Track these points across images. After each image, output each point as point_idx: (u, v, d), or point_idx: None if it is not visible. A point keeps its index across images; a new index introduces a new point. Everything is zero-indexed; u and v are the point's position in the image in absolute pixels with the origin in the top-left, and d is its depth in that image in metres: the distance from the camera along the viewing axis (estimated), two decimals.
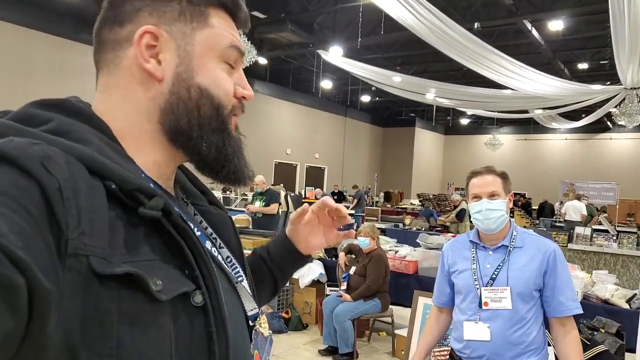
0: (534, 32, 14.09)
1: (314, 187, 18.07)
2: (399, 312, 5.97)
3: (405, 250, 6.06)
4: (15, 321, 0.45)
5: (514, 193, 2.34)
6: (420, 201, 17.18)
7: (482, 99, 16.75)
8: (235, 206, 13.20)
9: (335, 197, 18.56)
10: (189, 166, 0.85)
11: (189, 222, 0.69)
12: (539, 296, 2.16)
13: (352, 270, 5.51)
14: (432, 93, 16.87)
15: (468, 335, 2.18)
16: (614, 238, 9.40)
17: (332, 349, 5.30)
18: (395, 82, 15.64)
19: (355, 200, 16.65)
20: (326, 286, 6.20)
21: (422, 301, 3.78)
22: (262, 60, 17.60)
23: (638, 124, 14.33)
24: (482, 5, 13.12)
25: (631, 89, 13.35)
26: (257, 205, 8.18)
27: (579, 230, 9.85)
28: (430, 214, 13.11)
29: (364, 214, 14.23)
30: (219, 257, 0.79)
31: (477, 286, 2.19)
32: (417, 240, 6.04)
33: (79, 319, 0.54)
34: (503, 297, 2.13)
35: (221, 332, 0.67)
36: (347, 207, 14.67)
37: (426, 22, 10.25)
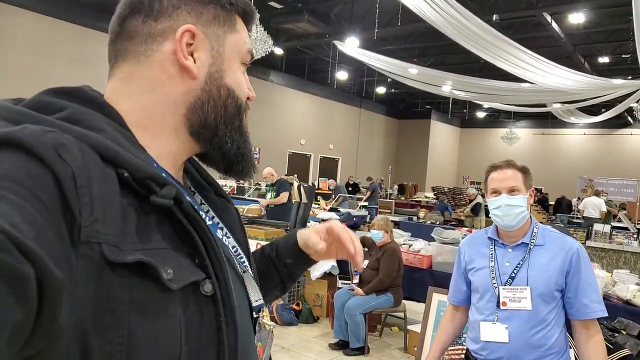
0: (554, 25, 13.83)
1: (327, 177, 18.00)
2: (412, 307, 5.89)
3: (419, 244, 5.96)
4: (24, 312, 0.45)
5: None
6: (435, 194, 17.02)
7: (500, 92, 16.56)
8: (249, 195, 13.20)
9: (350, 189, 18.51)
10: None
11: (199, 212, 0.71)
12: (561, 297, 2.06)
13: (365, 263, 5.43)
14: (449, 85, 16.72)
15: (485, 336, 2.09)
16: (635, 236, 9.22)
17: (342, 343, 5.24)
18: (411, 73, 15.50)
19: (369, 192, 16.55)
20: (338, 279, 6.14)
21: (437, 298, 3.70)
22: (278, 51, 17.52)
23: None
24: None
25: None
26: (269, 197, 8.15)
27: (597, 227, 9.69)
28: (445, 208, 12.98)
29: (377, 206, 14.13)
30: (229, 245, 0.82)
31: (495, 285, 2.10)
32: (432, 235, 5.94)
33: (91, 307, 0.54)
34: (522, 297, 2.04)
35: (230, 322, 0.68)
36: (360, 200, 14.69)
37: (444, 13, 10.11)
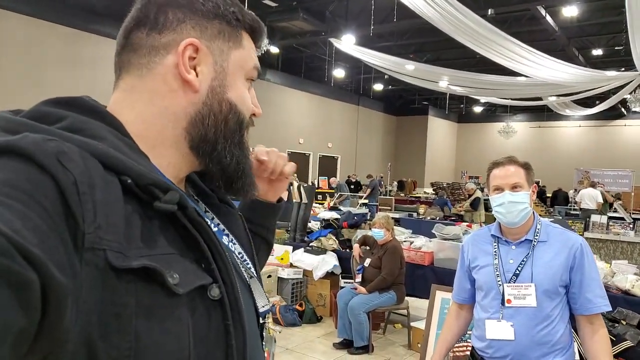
0: (548, 18, 13.86)
1: (327, 176, 18.00)
2: (415, 304, 5.90)
3: (420, 241, 5.98)
4: (28, 318, 0.45)
5: None
6: (434, 190, 17.06)
7: (496, 86, 16.61)
8: None
9: (352, 187, 18.52)
10: None
11: (204, 217, 0.72)
12: (565, 293, 2.07)
13: (367, 262, 5.44)
14: (445, 81, 16.74)
15: (491, 334, 2.10)
16: (631, 226, 9.26)
17: (347, 342, 5.25)
18: (408, 70, 15.52)
19: (369, 190, 16.56)
20: (340, 278, 6.15)
21: (440, 295, 3.71)
22: (274, 49, 17.51)
23: None
24: None
25: None
26: None
27: (595, 218, 9.73)
28: (444, 203, 13.00)
29: (377, 204, 14.14)
30: (235, 252, 0.83)
31: (500, 282, 2.11)
32: (433, 231, 5.95)
33: (96, 313, 0.54)
34: (527, 294, 2.05)
35: (238, 326, 0.68)
36: (361, 197, 14.68)
37: (439, 9, 10.13)
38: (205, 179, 0.88)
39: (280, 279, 6.34)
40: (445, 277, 5.19)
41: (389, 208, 13.24)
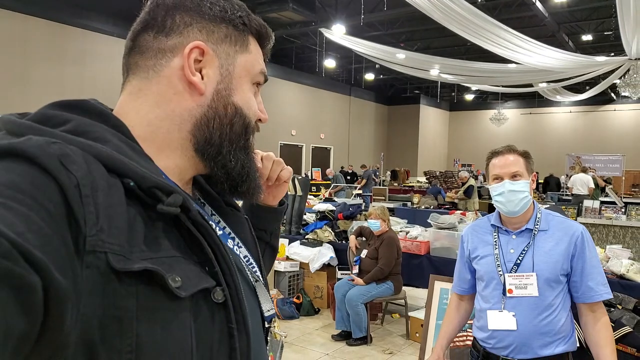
0: (538, 4, 13.82)
1: (320, 167, 17.98)
2: (412, 293, 5.92)
3: (416, 231, 5.98)
4: (30, 321, 0.45)
5: None
6: (427, 179, 17.08)
7: (487, 73, 16.61)
8: None
9: (348, 177, 18.53)
10: None
11: (209, 221, 0.71)
12: (566, 281, 2.06)
13: (364, 253, 5.43)
14: (437, 69, 16.70)
15: (493, 324, 2.09)
16: (623, 210, 9.31)
17: (345, 333, 5.26)
18: (399, 59, 15.47)
19: (364, 180, 16.57)
20: (337, 270, 6.14)
21: (439, 285, 3.71)
22: None
23: None
24: None
25: (636, 59, 13.20)
26: None
27: (587, 203, 9.76)
28: (437, 192, 13.00)
29: (371, 194, 14.13)
30: (240, 255, 0.82)
31: (501, 272, 2.09)
32: (428, 221, 5.95)
33: (97, 316, 0.54)
34: (529, 283, 2.04)
35: (242, 329, 0.68)
36: (355, 188, 14.68)
37: None
38: (211, 182, 0.86)
39: (276, 272, 6.34)
40: (441, 266, 5.21)
41: (383, 198, 13.24)
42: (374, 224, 5.31)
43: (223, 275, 0.67)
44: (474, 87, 23.67)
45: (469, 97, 29.28)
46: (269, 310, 0.84)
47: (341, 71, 23.97)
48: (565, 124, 27.72)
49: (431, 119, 30.12)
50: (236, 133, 0.79)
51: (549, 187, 17.87)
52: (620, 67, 14.16)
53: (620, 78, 14.69)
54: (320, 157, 24.25)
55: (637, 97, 14.54)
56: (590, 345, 2.04)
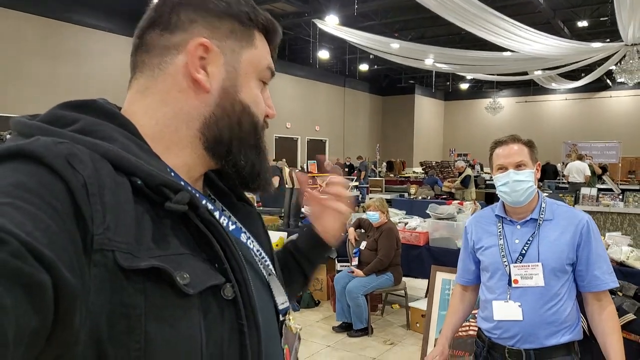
0: None
1: (315, 160, 17.89)
2: (411, 284, 5.91)
3: (415, 221, 5.97)
4: (41, 319, 0.45)
5: None
6: (423, 169, 17.08)
7: (482, 62, 16.58)
8: None
9: (347, 169, 18.53)
10: None
11: (217, 216, 0.71)
12: (572, 270, 2.04)
13: (363, 245, 5.42)
14: (431, 58, 16.65)
15: (498, 315, 2.07)
16: (620, 197, 9.32)
17: (346, 325, 5.26)
18: (393, 48, 15.41)
19: (363, 172, 16.58)
20: (336, 262, 6.12)
21: (440, 276, 3.70)
22: None
23: (638, 81, 14.13)
24: None
25: (632, 45, 13.15)
26: None
27: (584, 191, 9.77)
28: (434, 182, 13.01)
29: (367, 185, 14.12)
30: (253, 249, 0.81)
31: (506, 263, 2.07)
32: (427, 211, 5.94)
33: (105, 313, 0.55)
34: (534, 273, 2.01)
35: (252, 326, 0.67)
36: (351, 180, 14.68)
37: None
38: (222, 177, 0.86)
39: None
40: (441, 257, 5.19)
41: (380, 189, 13.24)
42: (373, 216, 5.29)
43: (232, 271, 0.66)
44: (468, 76, 23.65)
45: (464, 86, 29.24)
46: (282, 304, 0.83)
47: (335, 62, 23.87)
48: (561, 111, 27.73)
49: (426, 109, 30.09)
50: (245, 131, 0.78)
51: (546, 175, 17.90)
52: (616, 53, 14.12)
53: (616, 64, 14.67)
54: (316, 149, 24.18)
55: (634, 83, 14.53)
56: (597, 334, 2.02)
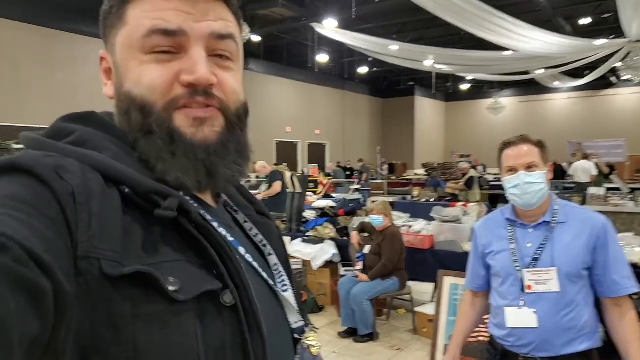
0: None
1: (317, 164, 17.88)
2: (416, 288, 5.83)
3: (419, 225, 5.88)
4: (42, 325, 0.46)
5: None
6: (425, 171, 16.97)
7: (482, 62, 16.49)
8: None
9: (348, 173, 18.47)
10: None
11: (216, 226, 0.68)
12: (588, 275, 1.95)
13: (367, 249, 5.33)
14: (431, 60, 16.56)
15: (511, 322, 1.98)
16: (630, 196, 9.21)
17: (351, 330, 5.18)
18: (392, 50, 15.33)
19: (365, 175, 16.51)
20: (340, 266, 6.04)
21: (448, 281, 3.61)
22: (255, 38, 17.21)
23: None
24: None
25: (636, 41, 13.00)
26: (263, 189, 8.14)
27: (592, 190, 9.68)
28: (437, 184, 12.89)
29: (369, 188, 14.02)
30: (255, 263, 0.75)
31: (518, 268, 1.98)
32: (432, 214, 5.85)
33: (91, 322, 0.54)
34: (549, 279, 1.92)
35: (255, 332, 0.65)
36: (352, 184, 14.59)
37: None
38: (242, 185, 0.87)
39: None
40: (446, 260, 5.12)
41: (382, 192, 13.14)
42: (376, 220, 5.21)
43: (231, 277, 0.64)
44: (469, 77, 23.56)
45: (465, 87, 29.11)
46: (296, 322, 0.79)
47: (334, 66, 23.78)
48: (564, 110, 27.56)
49: (427, 110, 29.99)
50: (133, 121, 0.69)
51: (554, 176, 17.75)
52: (620, 50, 13.99)
53: (620, 61, 14.54)
54: (316, 153, 24.11)
55: (639, 80, 14.40)
56: (617, 341, 1.93)
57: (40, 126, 11.90)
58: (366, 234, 5.64)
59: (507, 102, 27.78)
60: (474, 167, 11.74)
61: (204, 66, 0.67)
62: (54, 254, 0.50)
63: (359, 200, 7.48)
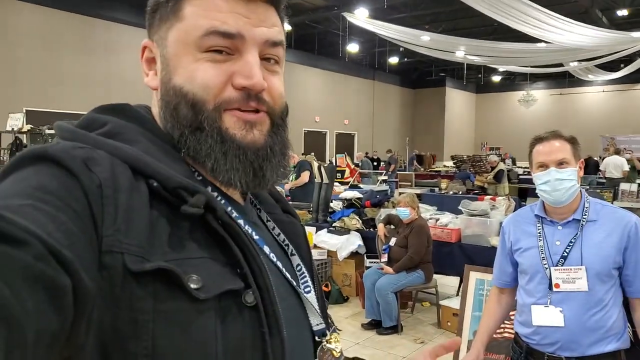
0: None
1: (344, 153, 17.86)
2: (442, 281, 5.81)
3: (446, 218, 5.84)
4: (61, 321, 0.46)
5: None
6: (454, 163, 16.80)
7: (515, 54, 16.24)
8: None
9: (375, 164, 18.44)
10: None
11: (241, 223, 0.69)
12: (618, 275, 1.92)
13: (393, 241, 5.32)
14: (462, 51, 16.39)
15: (537, 320, 1.96)
16: None
17: (375, 322, 5.18)
18: (424, 41, 15.20)
19: (393, 166, 16.44)
20: (365, 258, 6.04)
21: (474, 276, 3.58)
22: (286, 27, 17.19)
23: None
24: None
25: None
26: (291, 179, 8.13)
27: (624, 186, 9.48)
28: (466, 177, 12.75)
29: (397, 180, 13.96)
30: (279, 262, 0.75)
31: (546, 266, 1.96)
32: (460, 207, 5.80)
33: (111, 317, 0.54)
34: (577, 277, 1.90)
35: (275, 333, 0.64)
36: (380, 174, 14.55)
37: None
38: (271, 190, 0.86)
39: None
40: (473, 254, 5.08)
41: (409, 183, 13.08)
42: (403, 212, 5.19)
43: (254, 277, 0.64)
44: (501, 69, 23.20)
45: (496, 78, 28.70)
46: (318, 325, 0.78)
47: (364, 55, 23.69)
48: (598, 104, 26.97)
49: (457, 102, 29.67)
50: (182, 116, 0.69)
51: (587, 170, 17.39)
52: None
53: None
54: (345, 143, 24.07)
55: None
56: None
57: (75, 112, 12.22)
58: (392, 226, 5.62)
59: (539, 94, 27.31)
60: (502, 160, 11.58)
61: (258, 71, 0.68)
62: (76, 249, 0.50)
63: (386, 192, 7.45)
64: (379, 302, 5.05)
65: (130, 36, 14.88)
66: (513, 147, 23.45)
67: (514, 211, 4.06)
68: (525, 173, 13.09)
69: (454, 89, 29.14)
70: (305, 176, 8.05)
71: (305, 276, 0.81)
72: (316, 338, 0.78)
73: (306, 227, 6.28)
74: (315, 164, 8.03)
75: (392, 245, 5.31)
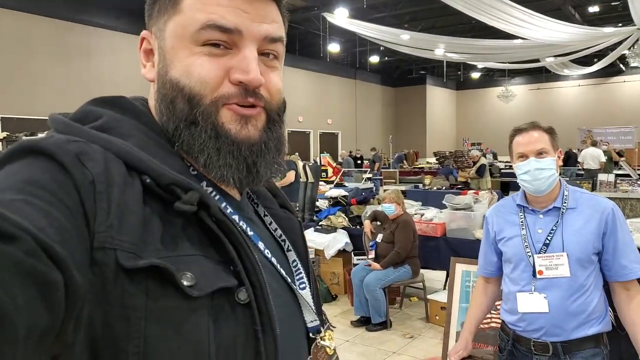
0: None
1: (329, 153, 17.92)
2: (428, 275, 5.87)
3: (431, 212, 5.91)
4: (51, 317, 0.45)
5: None
6: (437, 159, 16.96)
7: (492, 50, 16.43)
8: None
9: (359, 162, 18.50)
10: None
11: (236, 219, 0.69)
12: (598, 260, 1.99)
13: (379, 237, 5.38)
14: (442, 48, 16.53)
15: (523, 307, 2.02)
16: (639, 182, 9.17)
17: (364, 319, 5.23)
18: (403, 40, 15.31)
19: (378, 164, 16.52)
20: (353, 255, 6.09)
21: (460, 268, 3.64)
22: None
23: None
24: None
25: None
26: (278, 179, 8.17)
27: (602, 177, 9.64)
28: (449, 172, 12.90)
29: (381, 177, 14.05)
30: (274, 258, 0.74)
31: (529, 254, 2.03)
32: (443, 202, 5.88)
33: (103, 314, 0.53)
34: (559, 264, 1.97)
35: (268, 331, 0.64)
36: (365, 172, 14.61)
37: None
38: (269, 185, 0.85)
39: None
40: (458, 248, 5.15)
41: (394, 181, 13.16)
42: (389, 208, 5.25)
43: (247, 274, 0.63)
44: (480, 65, 23.42)
45: (476, 75, 29.00)
46: (312, 322, 0.78)
47: (345, 55, 23.77)
48: (574, 97, 27.41)
49: (438, 99, 29.90)
50: (178, 110, 0.68)
51: (568, 162, 17.65)
52: (628, 37, 13.92)
53: (629, 49, 14.46)
54: (328, 142, 24.13)
55: None
56: (626, 324, 1.97)
57: None
58: (378, 223, 5.68)
59: (518, 90, 27.65)
60: (484, 155, 11.73)
61: (256, 67, 0.68)
62: (68, 245, 0.49)
63: (372, 189, 7.50)
64: (368, 299, 5.10)
65: (108, 40, 14.79)
66: (494, 142, 23.70)
67: None
68: (507, 167, 13.27)
69: (435, 86, 29.36)
70: (290, 176, 8.08)
71: (300, 272, 0.80)
72: (310, 335, 0.78)
73: None
74: (300, 164, 8.07)
75: (379, 241, 5.36)
